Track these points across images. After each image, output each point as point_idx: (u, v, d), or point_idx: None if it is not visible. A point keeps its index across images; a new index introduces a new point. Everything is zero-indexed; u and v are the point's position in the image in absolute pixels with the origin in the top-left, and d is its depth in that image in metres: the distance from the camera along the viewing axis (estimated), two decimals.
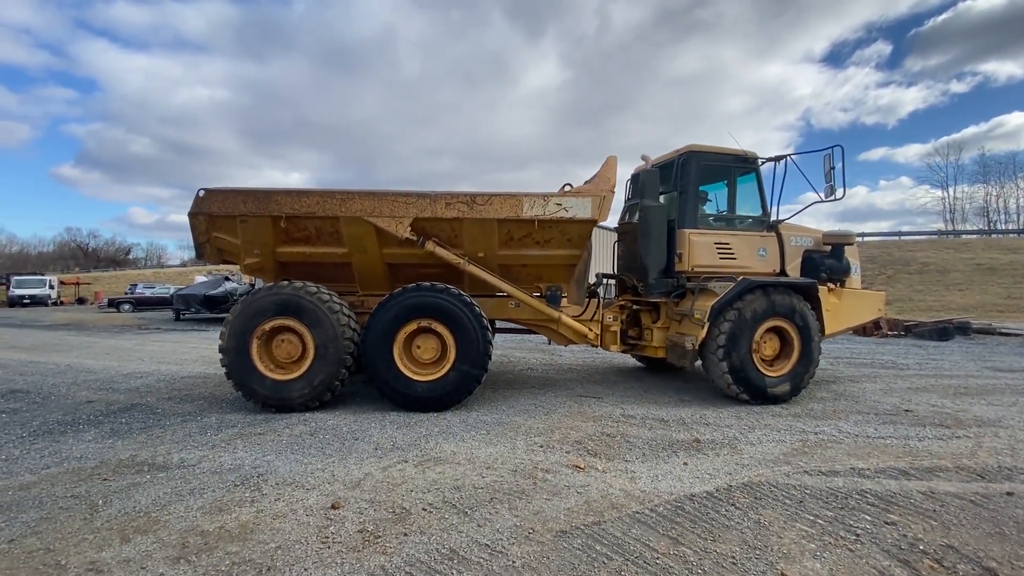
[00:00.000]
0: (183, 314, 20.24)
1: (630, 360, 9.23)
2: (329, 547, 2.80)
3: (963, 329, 14.75)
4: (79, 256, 68.44)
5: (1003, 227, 46.23)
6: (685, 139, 7.32)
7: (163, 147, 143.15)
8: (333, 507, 3.27)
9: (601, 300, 7.01)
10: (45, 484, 3.65)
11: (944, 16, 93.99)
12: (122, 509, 3.25)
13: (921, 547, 2.86)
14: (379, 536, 2.92)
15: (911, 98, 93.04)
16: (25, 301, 30.51)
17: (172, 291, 24.42)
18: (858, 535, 2.99)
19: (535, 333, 6.92)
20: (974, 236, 39.21)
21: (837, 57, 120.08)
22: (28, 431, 4.95)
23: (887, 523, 3.14)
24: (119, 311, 24.45)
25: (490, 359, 5.77)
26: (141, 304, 25.26)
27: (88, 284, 40.39)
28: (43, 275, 35.94)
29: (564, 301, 6.51)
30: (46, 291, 31.77)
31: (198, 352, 10.71)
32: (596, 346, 6.75)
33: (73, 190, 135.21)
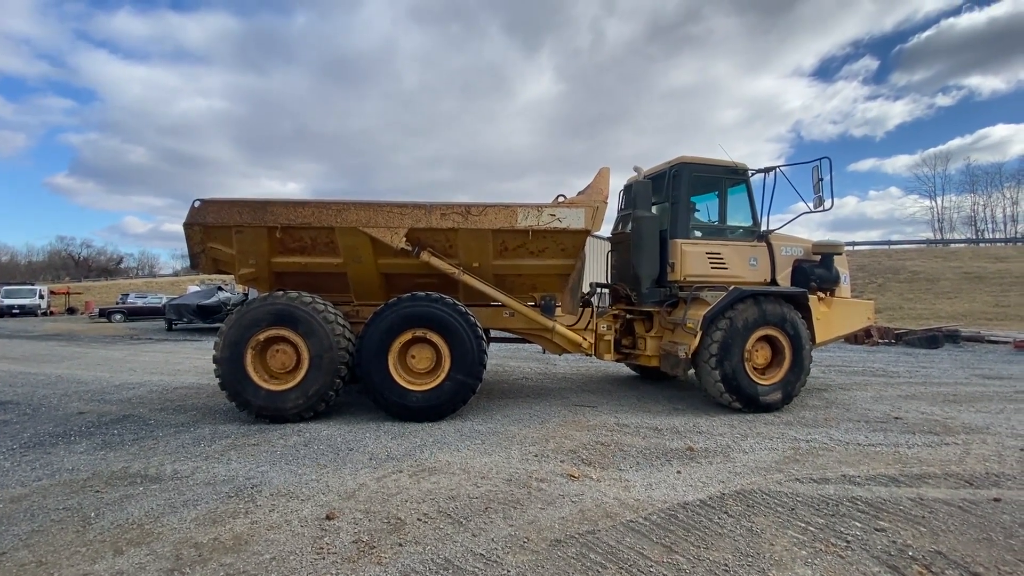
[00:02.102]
0: (176, 324, 20.09)
1: (624, 369, 9.27)
2: (324, 558, 2.80)
3: (952, 337, 14.93)
4: (70, 266, 67.76)
5: (990, 236, 46.94)
6: (680, 150, 7.54)
7: (160, 157, 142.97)
8: (328, 517, 3.27)
9: (595, 309, 7.06)
10: (36, 496, 3.63)
11: (928, 33, 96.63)
12: (115, 521, 3.23)
13: (910, 553, 2.90)
14: (374, 546, 2.93)
15: (898, 111, 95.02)
16: (14, 311, 30.17)
17: (164, 301, 24.25)
18: (848, 542, 3.03)
19: (530, 342, 6.96)
20: (962, 245, 39.78)
21: (826, 72, 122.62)
22: (19, 443, 4.91)
23: (877, 530, 3.18)
24: (110, 321, 24.26)
25: (485, 368, 5.79)
26: (133, 314, 25.09)
27: (79, 294, 40.00)
28: (33, 285, 35.57)
29: (558, 310, 6.56)
30: (36, 301, 31.44)
31: (191, 362, 10.65)
32: (590, 355, 6.79)
33: (66, 199, 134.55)
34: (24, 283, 37.06)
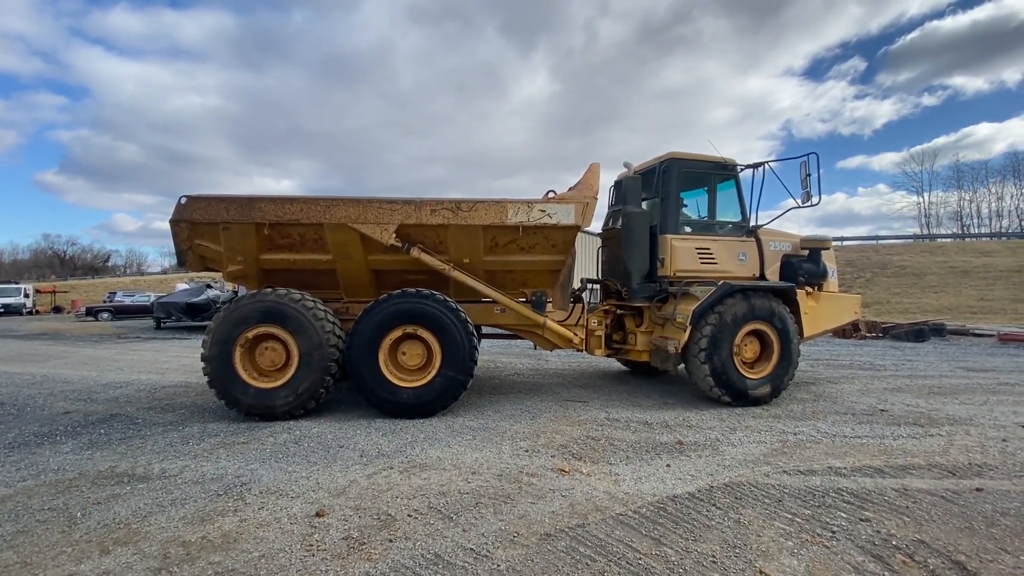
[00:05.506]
0: (164, 322, 19.88)
1: (615, 364, 9.31)
2: (314, 555, 2.79)
3: (938, 331, 15.15)
4: (55, 264, 66.76)
5: (976, 231, 47.57)
6: (673, 148, 7.54)
7: (152, 154, 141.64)
8: (318, 515, 3.26)
9: (586, 305, 7.08)
10: (22, 497, 3.58)
11: (912, 35, 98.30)
12: (101, 521, 3.20)
13: (894, 543, 2.95)
14: (364, 543, 2.92)
15: (885, 110, 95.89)
16: None
17: (153, 299, 23.98)
18: (834, 532, 3.07)
19: (521, 338, 6.96)
20: (948, 240, 40.28)
21: (816, 72, 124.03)
22: (3, 443, 4.84)
23: (862, 520, 3.23)
24: (97, 320, 23.94)
25: (476, 365, 5.79)
26: (120, 312, 24.77)
27: (65, 292, 39.40)
28: (18, 283, 34.98)
29: (549, 306, 6.57)
30: (21, 300, 30.92)
31: (179, 361, 10.55)
32: (581, 350, 6.82)
33: (56, 197, 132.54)
34: (9, 282, 36.47)
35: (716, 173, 6.90)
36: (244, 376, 5.45)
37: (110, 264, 74.76)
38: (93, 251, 74.16)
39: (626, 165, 7.26)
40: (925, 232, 47.35)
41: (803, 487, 3.72)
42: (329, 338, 5.53)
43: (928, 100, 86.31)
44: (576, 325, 6.78)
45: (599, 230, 8.02)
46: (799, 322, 6.53)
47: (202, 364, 5.48)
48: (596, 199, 6.05)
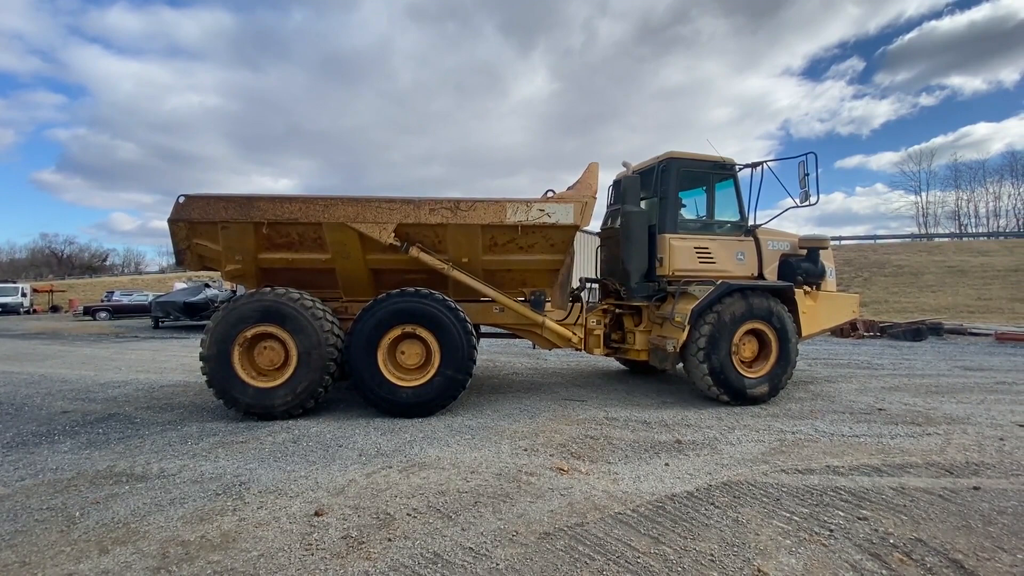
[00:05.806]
0: (162, 322, 19.86)
1: (613, 363, 9.32)
2: (313, 554, 2.80)
3: (935, 330, 15.19)
4: (53, 263, 66.57)
5: (973, 230, 47.70)
6: (672, 147, 7.56)
7: (150, 153, 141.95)
8: (317, 514, 3.26)
9: (584, 304, 7.09)
10: (20, 496, 3.58)
11: (911, 35, 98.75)
12: (100, 520, 3.20)
13: (891, 541, 2.96)
14: (363, 542, 2.92)
15: (883, 110, 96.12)
16: None
17: (151, 298, 23.94)
18: (832, 531, 3.08)
19: (520, 337, 6.97)
20: (946, 239, 40.35)
21: (814, 72, 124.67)
22: (1, 443, 4.83)
23: (859, 518, 3.24)
24: (95, 319, 23.90)
25: (475, 364, 5.79)
26: (118, 312, 24.74)
27: (62, 291, 39.30)
28: (15, 282, 34.89)
29: (548, 305, 6.58)
30: (18, 299, 30.86)
31: (178, 360, 10.54)
32: (580, 350, 6.82)
33: (53, 196, 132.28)
34: (6, 281, 36.37)
35: (715, 172, 6.90)
36: (243, 375, 5.44)
37: (108, 263, 74.61)
38: (91, 250, 74.09)
39: (625, 164, 7.27)
40: (923, 232, 47.42)
41: (801, 486, 3.73)
42: (328, 337, 5.53)
43: (926, 100, 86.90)
44: (575, 324, 6.78)
45: (598, 229, 8.02)
46: (797, 321, 6.54)
47: (200, 363, 5.48)
48: (595, 198, 6.05)
